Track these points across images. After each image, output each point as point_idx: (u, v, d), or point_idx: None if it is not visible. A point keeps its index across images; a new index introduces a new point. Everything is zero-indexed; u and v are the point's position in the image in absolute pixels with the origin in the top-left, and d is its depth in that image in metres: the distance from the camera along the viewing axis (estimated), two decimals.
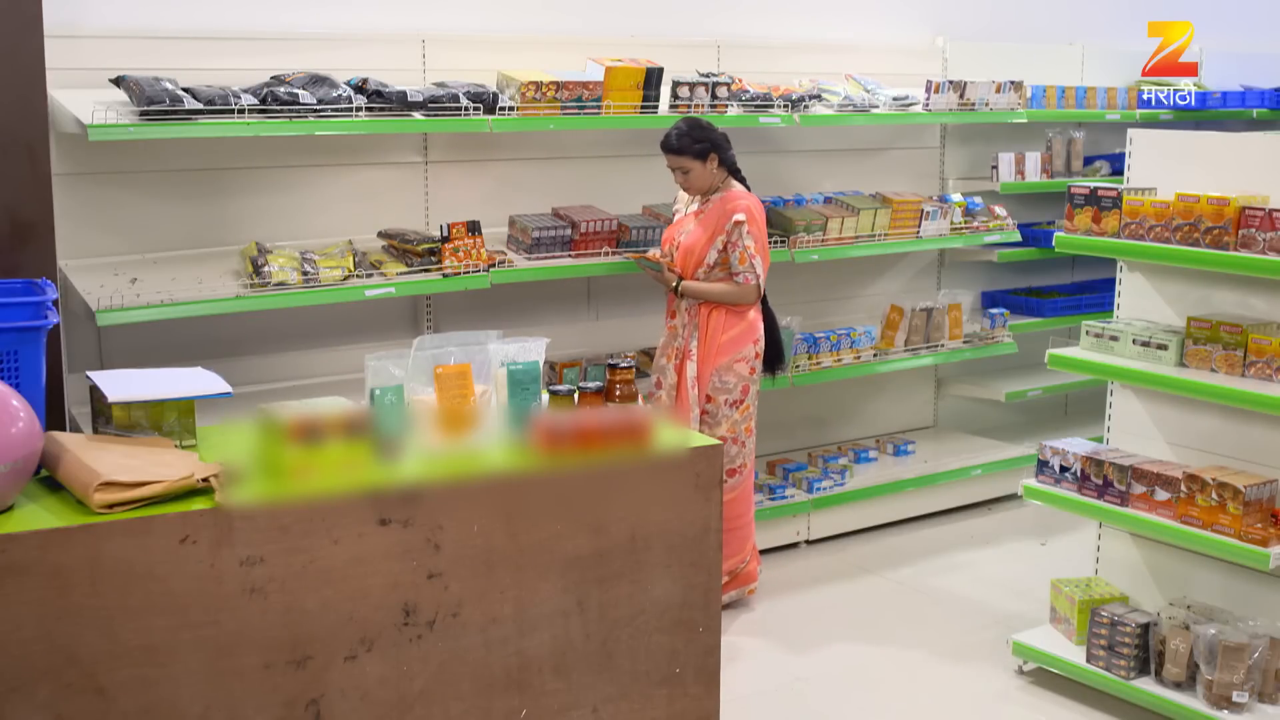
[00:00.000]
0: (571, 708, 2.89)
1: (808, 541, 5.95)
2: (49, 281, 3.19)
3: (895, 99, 5.99)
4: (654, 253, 5.16)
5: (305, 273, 4.58)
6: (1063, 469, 4.48)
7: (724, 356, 5.03)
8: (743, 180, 5.15)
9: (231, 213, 4.88)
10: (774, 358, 5.27)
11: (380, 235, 5.01)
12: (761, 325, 5.12)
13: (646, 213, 5.58)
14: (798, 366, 5.74)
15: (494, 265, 4.93)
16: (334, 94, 4.51)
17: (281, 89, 4.43)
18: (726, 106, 5.41)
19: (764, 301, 5.18)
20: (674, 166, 5.01)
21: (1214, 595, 4.39)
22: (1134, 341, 4.38)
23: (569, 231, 5.19)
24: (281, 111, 4.41)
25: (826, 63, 6.13)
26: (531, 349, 3.05)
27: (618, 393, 3.11)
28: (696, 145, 4.93)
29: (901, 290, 6.67)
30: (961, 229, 6.27)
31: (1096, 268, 7.28)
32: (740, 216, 4.96)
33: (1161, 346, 4.31)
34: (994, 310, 6.56)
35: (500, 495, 2.77)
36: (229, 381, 2.94)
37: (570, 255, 5.18)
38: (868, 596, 5.45)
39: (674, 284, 5.05)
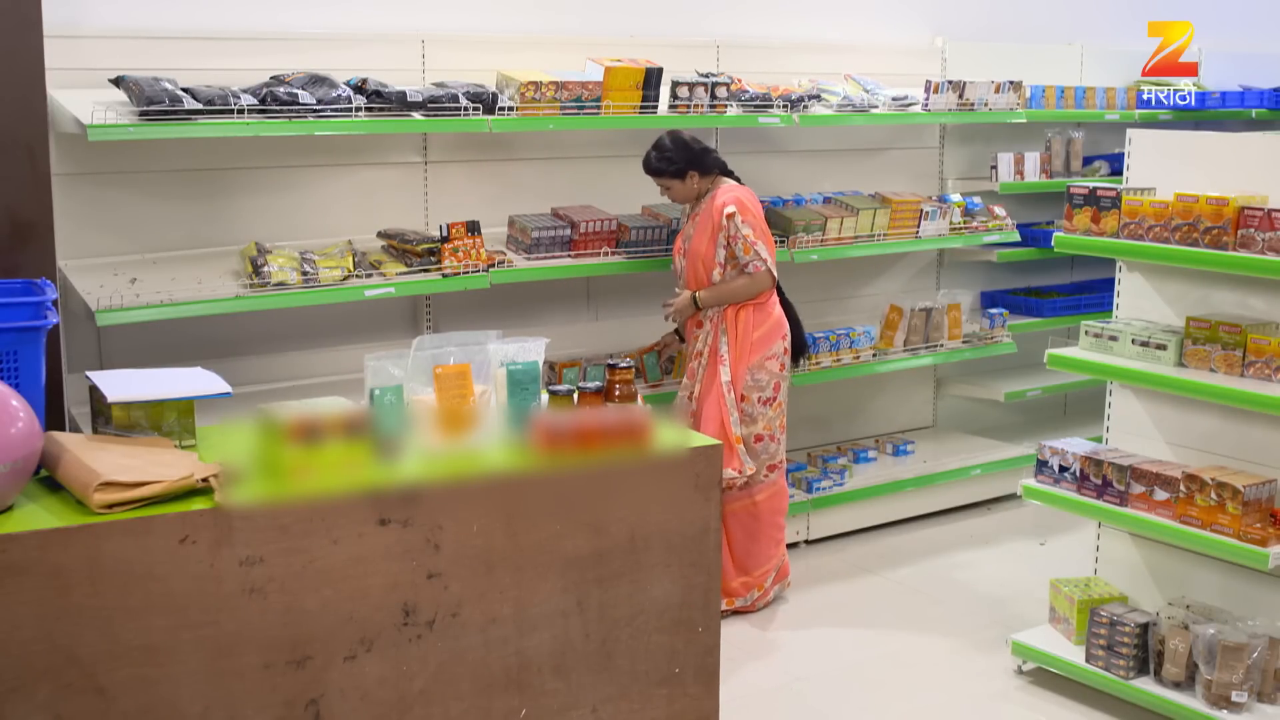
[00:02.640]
0: (571, 708, 2.89)
1: (807, 541, 5.95)
2: (48, 281, 3.19)
3: (894, 99, 6.00)
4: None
5: (305, 273, 4.58)
6: (1062, 469, 4.49)
7: (756, 354, 5.07)
8: (733, 175, 5.21)
9: (231, 213, 4.89)
10: (798, 348, 5.34)
11: (380, 235, 5.02)
12: (785, 319, 5.19)
13: (646, 213, 5.59)
14: (797, 366, 5.74)
15: (493, 265, 4.93)
16: (333, 94, 4.52)
17: (281, 89, 4.43)
18: (726, 106, 5.41)
19: (781, 294, 5.23)
20: (657, 184, 5.14)
21: (1213, 595, 4.39)
22: (1133, 341, 4.38)
23: (568, 232, 5.19)
24: (281, 112, 4.41)
25: (826, 63, 6.14)
26: (531, 349, 3.06)
27: (617, 393, 3.11)
28: (672, 166, 5.04)
29: (901, 290, 6.67)
30: (961, 229, 6.27)
31: (1096, 268, 7.28)
32: (730, 209, 4.98)
33: (1160, 346, 4.31)
34: (993, 310, 6.57)
35: (500, 495, 2.77)
36: (228, 381, 2.95)
37: (570, 255, 5.19)
38: (867, 596, 5.45)
39: (692, 302, 5.09)
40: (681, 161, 5.04)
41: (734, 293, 5.05)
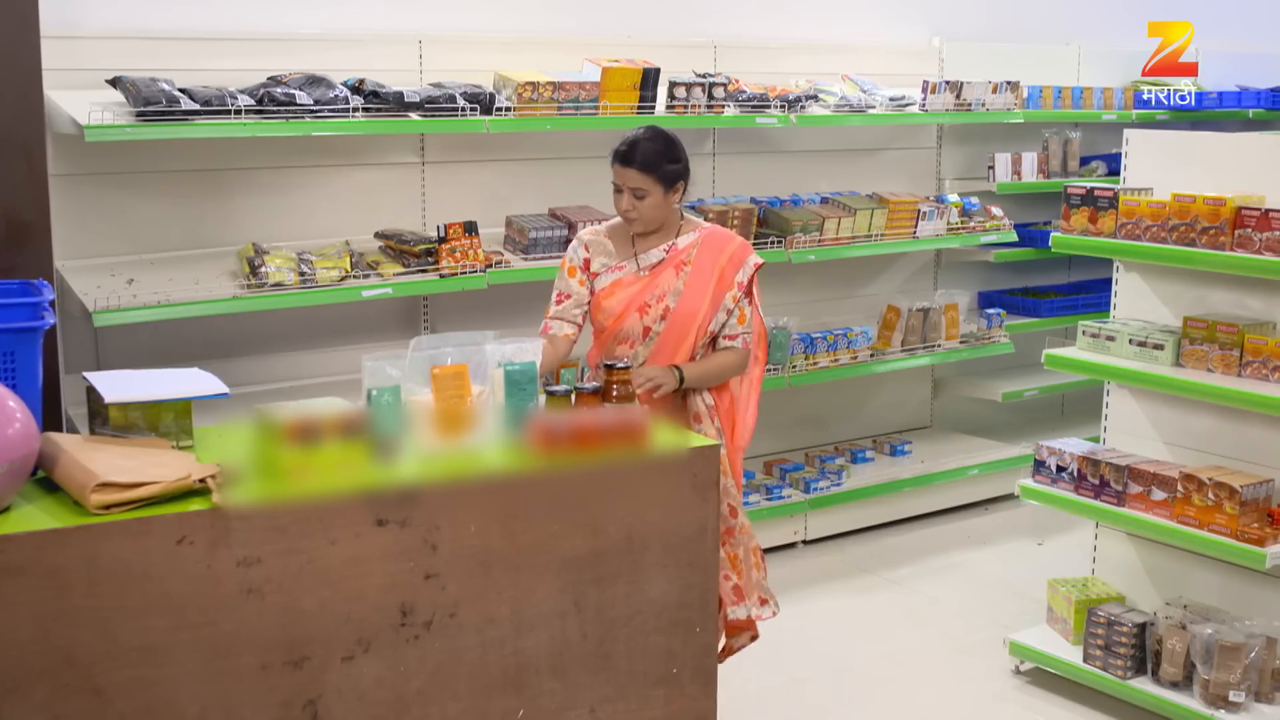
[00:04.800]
0: (569, 708, 2.88)
1: (805, 542, 5.95)
2: (46, 282, 3.18)
3: (892, 99, 6.00)
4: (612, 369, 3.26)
5: (302, 273, 4.58)
6: (1059, 469, 4.49)
7: (749, 421, 3.98)
8: None
9: (228, 213, 4.88)
10: None
11: (377, 236, 5.01)
12: None
13: None
14: (794, 367, 5.74)
15: (491, 266, 4.93)
16: (330, 94, 4.52)
17: (278, 89, 4.43)
18: (723, 107, 5.41)
19: None
20: (627, 185, 3.79)
21: (1210, 595, 4.39)
22: (1130, 341, 4.39)
23: (565, 232, 5.19)
24: (278, 112, 4.41)
25: (823, 63, 6.14)
26: (528, 349, 3.05)
27: (614, 393, 3.11)
28: (669, 166, 3.77)
29: (898, 290, 6.68)
30: (958, 229, 6.28)
31: (1093, 268, 7.28)
32: (758, 260, 3.88)
33: (1158, 346, 4.31)
34: (991, 310, 6.57)
35: (497, 496, 2.77)
36: (226, 382, 2.94)
37: None
38: (865, 596, 5.45)
39: (677, 379, 3.76)
40: (682, 166, 3.82)
41: (722, 372, 3.85)
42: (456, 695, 2.75)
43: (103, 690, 2.42)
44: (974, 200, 6.45)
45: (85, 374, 2.95)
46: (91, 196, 4.62)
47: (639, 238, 3.89)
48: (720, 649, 3.82)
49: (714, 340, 3.87)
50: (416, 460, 2.79)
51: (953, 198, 6.37)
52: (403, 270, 4.80)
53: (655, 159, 3.76)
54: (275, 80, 4.55)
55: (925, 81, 6.11)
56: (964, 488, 6.46)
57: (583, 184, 5.60)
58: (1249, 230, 4.01)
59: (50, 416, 3.46)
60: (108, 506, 2.43)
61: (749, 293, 3.87)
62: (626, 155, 3.78)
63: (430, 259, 4.80)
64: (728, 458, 3.82)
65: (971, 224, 6.34)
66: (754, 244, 5.56)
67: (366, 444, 2.71)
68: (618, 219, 3.92)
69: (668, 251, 3.85)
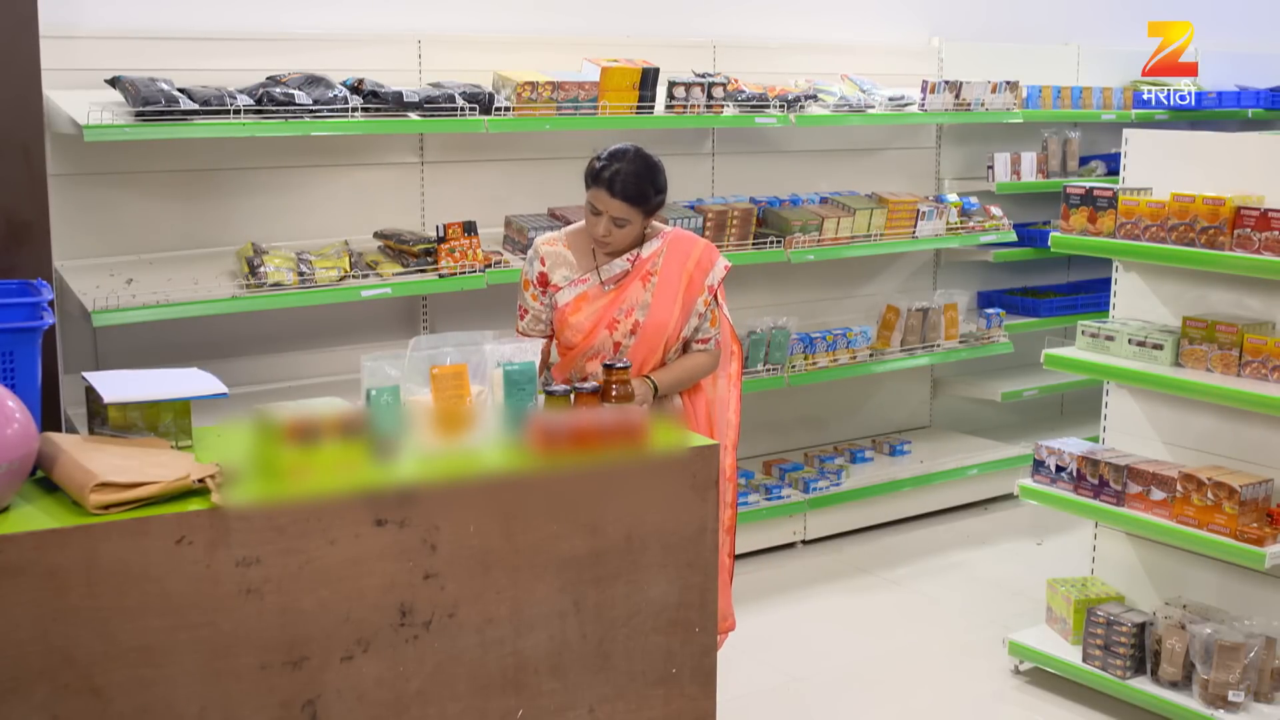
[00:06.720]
0: (568, 708, 2.88)
1: (804, 542, 5.95)
2: (45, 282, 3.18)
3: (891, 99, 6.00)
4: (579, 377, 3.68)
5: (301, 273, 4.58)
6: (1058, 469, 4.49)
7: (732, 419, 3.97)
8: None
9: (227, 213, 4.88)
10: None
11: (376, 236, 5.01)
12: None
13: None
14: (794, 367, 5.74)
15: (490, 266, 4.93)
16: (329, 94, 4.51)
17: (277, 89, 4.43)
18: (722, 107, 5.41)
19: None
20: (609, 212, 3.61)
21: (1210, 595, 4.40)
22: (1129, 341, 4.39)
23: None
24: (277, 112, 4.41)
25: (822, 63, 6.14)
26: (527, 349, 3.05)
27: (614, 393, 3.12)
28: (656, 198, 3.65)
29: (897, 290, 6.68)
30: (957, 229, 6.28)
31: (1092, 268, 7.29)
32: (727, 263, 3.79)
33: (1157, 346, 4.32)
34: (990, 310, 6.57)
35: (497, 496, 2.77)
36: (225, 382, 2.94)
37: None
38: (864, 596, 5.45)
39: (652, 391, 3.67)
40: (664, 194, 3.70)
41: (694, 375, 3.77)
42: (456, 695, 2.75)
43: (101, 690, 2.42)
44: (973, 200, 6.45)
45: (84, 374, 2.95)
46: (90, 196, 4.62)
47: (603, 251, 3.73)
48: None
49: (685, 345, 3.78)
50: (415, 460, 2.78)
51: (952, 197, 6.37)
52: (402, 270, 4.79)
53: (641, 189, 3.60)
54: (274, 80, 4.55)
55: (924, 81, 6.11)
56: (963, 488, 6.46)
57: (582, 184, 5.59)
58: (1248, 230, 4.01)
59: (49, 416, 3.46)
60: (107, 506, 2.43)
61: (716, 297, 3.78)
62: (611, 184, 3.58)
63: (429, 259, 4.80)
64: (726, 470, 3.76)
65: (971, 224, 6.34)
66: (753, 244, 5.58)
67: (365, 444, 2.71)
68: (577, 225, 3.79)
69: (632, 262, 3.70)
